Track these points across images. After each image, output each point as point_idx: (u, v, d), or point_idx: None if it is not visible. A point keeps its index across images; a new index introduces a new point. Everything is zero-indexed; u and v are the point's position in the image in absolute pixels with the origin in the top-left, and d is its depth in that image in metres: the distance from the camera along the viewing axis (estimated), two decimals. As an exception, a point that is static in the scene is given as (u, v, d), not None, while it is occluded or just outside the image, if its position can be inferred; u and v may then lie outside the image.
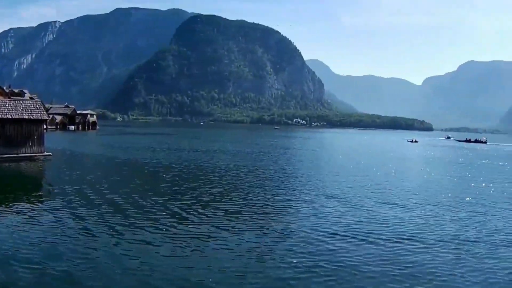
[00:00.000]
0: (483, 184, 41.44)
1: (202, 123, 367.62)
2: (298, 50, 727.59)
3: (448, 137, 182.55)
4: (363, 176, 43.58)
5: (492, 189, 38.16)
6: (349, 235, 20.32)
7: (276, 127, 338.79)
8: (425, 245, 19.04)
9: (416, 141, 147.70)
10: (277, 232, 20.40)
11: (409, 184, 40.21)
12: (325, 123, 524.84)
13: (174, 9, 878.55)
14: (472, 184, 41.17)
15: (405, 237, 20.33)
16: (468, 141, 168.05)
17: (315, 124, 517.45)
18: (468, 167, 60.47)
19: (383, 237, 20.13)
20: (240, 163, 51.14)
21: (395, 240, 19.70)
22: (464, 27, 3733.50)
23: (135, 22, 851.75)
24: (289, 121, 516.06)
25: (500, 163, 70.51)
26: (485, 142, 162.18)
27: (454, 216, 25.82)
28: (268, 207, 26.49)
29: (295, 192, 32.78)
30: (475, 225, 23.62)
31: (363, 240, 19.56)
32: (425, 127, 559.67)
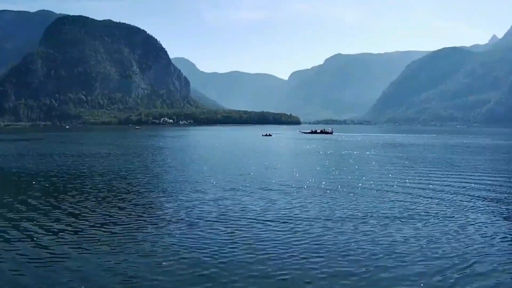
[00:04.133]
0: (335, 171, 46.73)
1: (67, 127, 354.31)
2: (164, 49, 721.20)
3: (303, 131, 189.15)
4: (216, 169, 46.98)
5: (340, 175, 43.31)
6: (220, 220, 23.29)
7: (137, 127, 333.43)
8: (293, 225, 22.29)
9: (270, 135, 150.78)
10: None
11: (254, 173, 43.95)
12: (192, 121, 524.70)
13: (42, 10, 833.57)
14: (319, 170, 47.24)
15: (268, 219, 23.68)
16: (315, 132, 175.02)
17: (182, 122, 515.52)
18: (319, 157, 66.22)
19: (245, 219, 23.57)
20: (105, 166, 50.14)
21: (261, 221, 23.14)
22: (330, 21, 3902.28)
23: (3, 25, 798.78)
24: (157, 121, 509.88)
25: (344, 152, 78.08)
26: (331, 133, 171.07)
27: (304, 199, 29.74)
28: (137, 207, 26.96)
29: (169, 188, 34.14)
30: (336, 207, 27.19)
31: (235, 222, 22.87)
32: (293, 121, 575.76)
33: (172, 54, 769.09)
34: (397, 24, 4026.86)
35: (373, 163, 56.99)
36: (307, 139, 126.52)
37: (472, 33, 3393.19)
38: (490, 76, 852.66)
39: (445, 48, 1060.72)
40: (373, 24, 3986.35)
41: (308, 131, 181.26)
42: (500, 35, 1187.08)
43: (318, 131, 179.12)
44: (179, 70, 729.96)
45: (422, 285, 14.56)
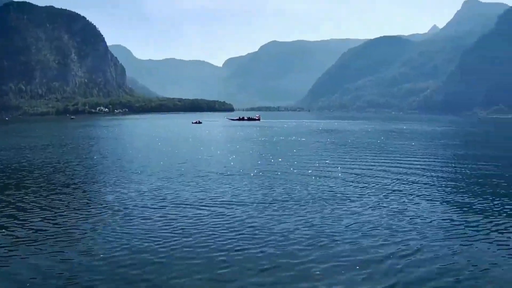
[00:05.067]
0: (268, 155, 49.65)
1: (7, 119, 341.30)
2: (102, 35, 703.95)
3: (230, 118, 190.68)
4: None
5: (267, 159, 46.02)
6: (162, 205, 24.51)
7: (72, 117, 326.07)
8: (227, 210, 23.28)
9: (199, 122, 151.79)
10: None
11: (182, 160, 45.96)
12: (127, 110, 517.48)
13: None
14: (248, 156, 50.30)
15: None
16: (242, 119, 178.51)
17: (118, 111, 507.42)
18: (252, 143, 69.72)
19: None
20: (41, 159, 47.97)
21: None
22: (266, 7, 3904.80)
23: None
24: (93, 110, 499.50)
25: (276, 138, 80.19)
26: (258, 119, 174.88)
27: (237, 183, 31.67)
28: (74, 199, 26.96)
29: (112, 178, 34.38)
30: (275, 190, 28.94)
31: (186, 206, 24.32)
32: (227, 108, 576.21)
33: (109, 41, 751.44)
34: (334, 12, 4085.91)
35: (306, 148, 58.95)
36: (239, 126, 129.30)
37: (413, 22, 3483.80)
38: (428, 65, 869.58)
39: (383, 36, 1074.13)
40: (310, 12, 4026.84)
41: (236, 118, 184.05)
42: (441, 25, 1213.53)
43: (245, 118, 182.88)
44: (116, 58, 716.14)
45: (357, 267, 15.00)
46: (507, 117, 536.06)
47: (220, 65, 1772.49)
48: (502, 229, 19.60)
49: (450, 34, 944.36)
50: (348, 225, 19.96)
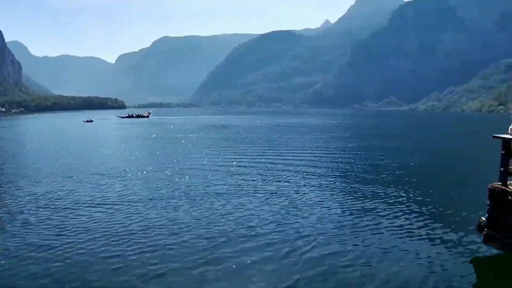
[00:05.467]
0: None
1: None
2: (0, 31, 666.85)
3: (120, 116, 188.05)
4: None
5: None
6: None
7: None
8: (121, 207, 22.87)
9: (91, 121, 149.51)
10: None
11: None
12: (23, 109, 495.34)
13: None
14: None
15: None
16: (131, 116, 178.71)
17: (14, 110, 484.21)
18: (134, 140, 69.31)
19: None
20: None
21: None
22: (157, 3, 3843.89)
23: None
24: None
25: (168, 135, 79.40)
26: (147, 116, 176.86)
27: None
28: None
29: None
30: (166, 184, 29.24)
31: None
32: (119, 105, 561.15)
33: (6, 37, 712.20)
34: (226, 7, 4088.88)
35: (195, 144, 59.38)
36: (129, 124, 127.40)
37: (306, 17, 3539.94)
38: (319, 59, 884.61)
39: (274, 31, 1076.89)
40: (201, 7, 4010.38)
41: (125, 116, 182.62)
42: (333, 20, 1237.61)
43: (135, 115, 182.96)
44: (13, 55, 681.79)
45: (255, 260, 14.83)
46: (398, 109, 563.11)
47: (113, 61, 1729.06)
48: (390, 217, 20.47)
49: (342, 29, 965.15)
50: (240, 220, 19.83)
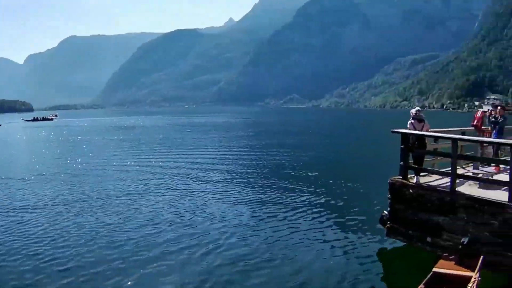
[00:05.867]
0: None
1: None
2: None
3: (26, 119, 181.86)
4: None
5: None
6: None
7: None
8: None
9: None
10: None
11: None
12: None
13: None
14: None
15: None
16: (36, 119, 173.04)
17: None
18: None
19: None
20: None
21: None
22: (64, 2, 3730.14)
23: None
24: None
25: (72, 138, 77.44)
26: (52, 119, 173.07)
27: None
28: None
29: None
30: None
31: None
32: (27, 108, 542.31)
33: None
34: (132, 5, 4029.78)
35: (100, 147, 57.89)
36: (36, 128, 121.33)
37: (210, 16, 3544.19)
38: (222, 58, 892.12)
39: (179, 30, 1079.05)
40: (106, 6, 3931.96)
41: (31, 119, 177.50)
42: (237, 18, 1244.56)
43: (40, 118, 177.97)
44: None
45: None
46: (300, 106, 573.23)
47: (22, 62, 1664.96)
48: (293, 214, 20.23)
49: (246, 27, 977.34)
50: (144, 223, 19.19)
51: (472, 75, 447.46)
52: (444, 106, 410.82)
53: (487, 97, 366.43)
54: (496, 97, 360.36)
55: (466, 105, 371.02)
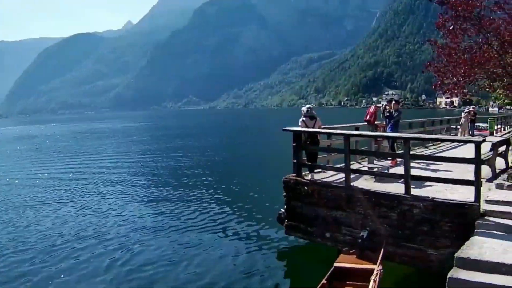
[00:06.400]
0: None
1: None
2: None
3: None
4: None
5: None
6: None
7: None
8: None
9: None
10: None
11: None
12: None
13: None
14: None
15: None
16: None
17: None
18: None
19: None
20: None
21: None
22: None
23: None
24: None
25: None
26: None
27: None
28: None
29: None
30: None
31: None
32: None
33: None
34: (32, 10, 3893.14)
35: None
36: None
37: (108, 19, 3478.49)
38: (120, 61, 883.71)
39: (78, 34, 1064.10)
40: (7, 11, 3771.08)
41: None
42: (135, 21, 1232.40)
43: None
44: None
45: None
46: (197, 108, 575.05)
47: None
48: (192, 216, 20.20)
49: (143, 29, 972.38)
50: (48, 234, 18.16)
51: (369, 72, 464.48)
52: (342, 103, 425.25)
53: (385, 93, 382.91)
54: (394, 92, 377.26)
55: (364, 101, 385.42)
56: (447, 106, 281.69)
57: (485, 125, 39.51)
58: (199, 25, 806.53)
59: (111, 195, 26.41)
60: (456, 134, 31.02)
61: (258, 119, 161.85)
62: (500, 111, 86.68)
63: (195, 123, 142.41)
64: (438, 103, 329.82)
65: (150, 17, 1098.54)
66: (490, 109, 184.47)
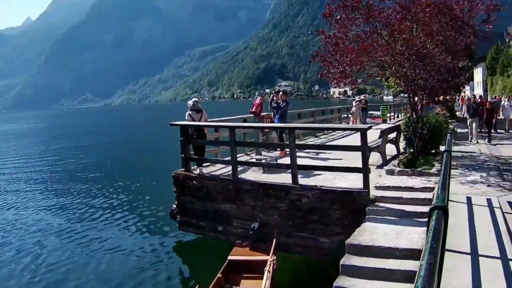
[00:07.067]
0: None
1: None
2: None
3: None
4: None
5: None
6: None
7: None
8: None
9: None
10: None
11: None
12: None
13: None
14: None
15: None
16: None
17: None
18: None
19: None
20: None
21: None
22: None
23: None
24: None
25: None
26: None
27: None
28: None
29: None
30: None
31: None
32: None
33: None
34: None
35: None
36: None
37: (8, 16, 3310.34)
38: (19, 59, 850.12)
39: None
40: None
41: None
42: (35, 17, 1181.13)
43: None
44: None
45: None
46: (93, 106, 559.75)
47: None
48: (85, 216, 19.95)
49: (43, 25, 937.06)
50: None
51: (262, 64, 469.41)
52: (235, 96, 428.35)
53: (278, 84, 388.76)
54: (287, 84, 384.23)
55: (256, 93, 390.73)
56: (341, 96, 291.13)
57: (378, 113, 40.87)
58: (96, 20, 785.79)
59: (7, 199, 25.12)
60: (347, 123, 31.58)
61: (150, 115, 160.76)
62: (395, 99, 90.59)
63: (88, 121, 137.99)
64: (331, 93, 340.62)
65: (49, 12, 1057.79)
66: (384, 97, 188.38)
